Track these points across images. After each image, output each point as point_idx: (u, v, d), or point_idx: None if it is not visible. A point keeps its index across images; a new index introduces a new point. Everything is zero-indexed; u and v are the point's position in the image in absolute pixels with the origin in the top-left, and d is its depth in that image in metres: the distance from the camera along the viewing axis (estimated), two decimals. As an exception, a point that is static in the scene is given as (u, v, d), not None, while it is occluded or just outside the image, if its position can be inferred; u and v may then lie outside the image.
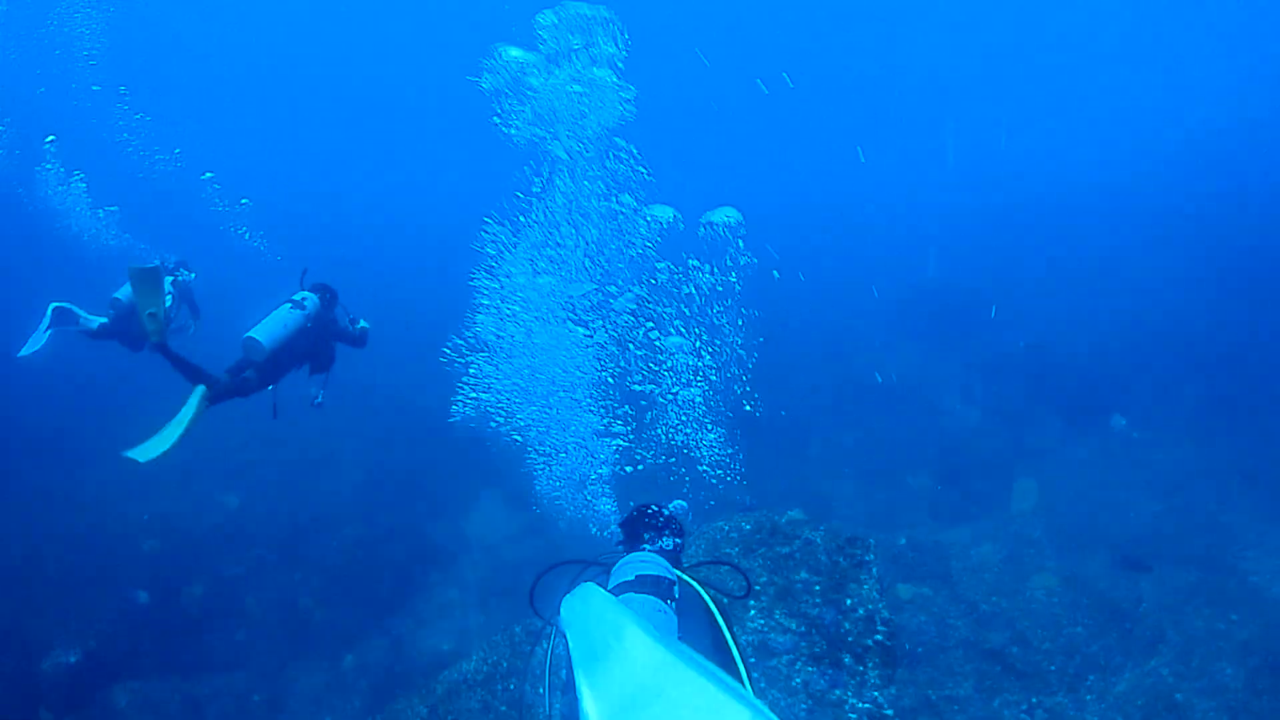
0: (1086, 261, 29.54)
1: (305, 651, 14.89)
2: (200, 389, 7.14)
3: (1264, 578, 13.51)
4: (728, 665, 3.63)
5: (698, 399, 10.68)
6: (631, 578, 3.90)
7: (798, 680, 7.30)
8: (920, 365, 24.15)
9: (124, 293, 9.84)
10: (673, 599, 3.83)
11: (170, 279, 10.48)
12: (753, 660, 7.45)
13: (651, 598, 3.73)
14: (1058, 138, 47.64)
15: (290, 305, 8.05)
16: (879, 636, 7.55)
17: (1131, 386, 21.21)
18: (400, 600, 16.71)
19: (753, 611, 8.00)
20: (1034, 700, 10.78)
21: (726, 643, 3.79)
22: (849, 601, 7.92)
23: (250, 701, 13.71)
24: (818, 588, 8.13)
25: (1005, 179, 41.74)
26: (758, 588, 8.27)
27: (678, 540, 4.84)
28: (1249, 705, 10.68)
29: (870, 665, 7.33)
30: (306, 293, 8.34)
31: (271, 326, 7.78)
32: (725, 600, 4.26)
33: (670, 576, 3.98)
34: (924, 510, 17.96)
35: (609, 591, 3.75)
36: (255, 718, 13.47)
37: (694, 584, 4.15)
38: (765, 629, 7.78)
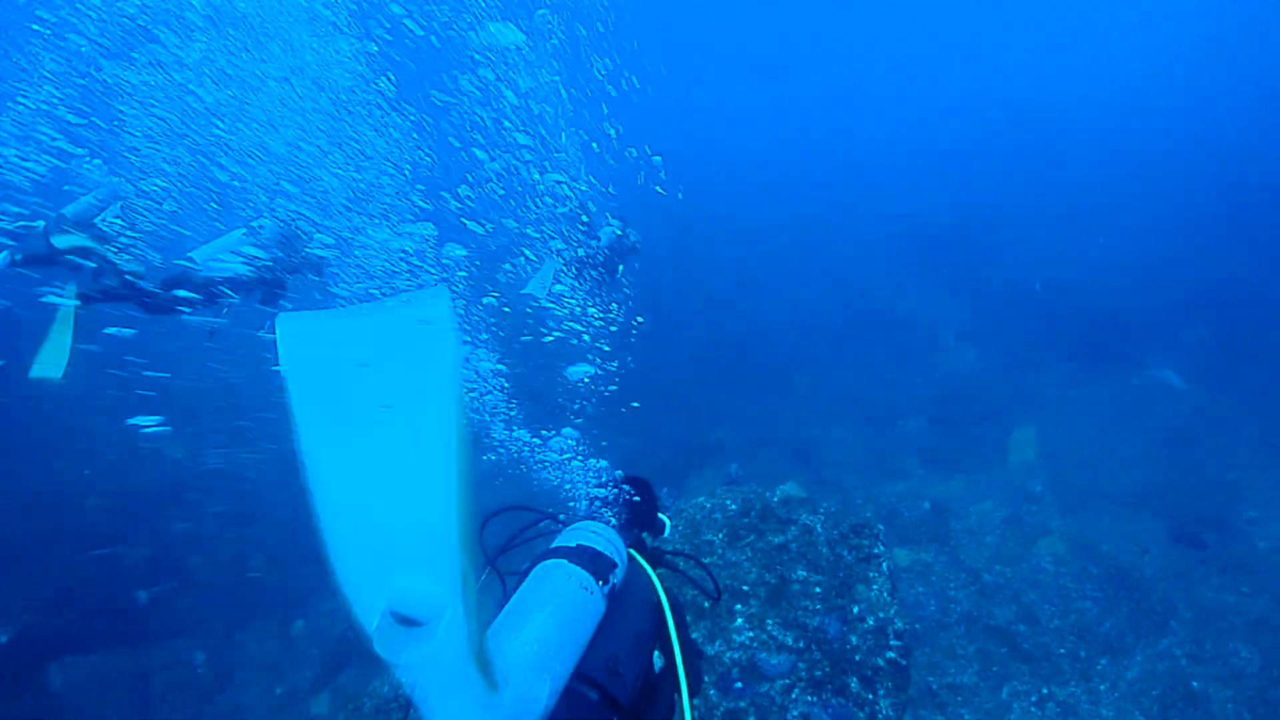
0: (1089, 198, 28.42)
1: (255, 616, 13.99)
2: (71, 286, 6.72)
3: (1273, 543, 12.87)
4: (670, 676, 3.41)
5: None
6: (573, 544, 3.53)
7: (795, 713, 6.17)
8: (919, 300, 23.13)
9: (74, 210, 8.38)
10: (607, 581, 3.40)
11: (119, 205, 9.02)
12: (739, 685, 6.38)
13: (581, 572, 3.34)
14: (1066, 59, 45.90)
15: (244, 231, 7.63)
16: (891, 654, 6.45)
17: (1136, 330, 20.31)
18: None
19: (740, 620, 6.85)
20: (1045, 691, 9.88)
21: (672, 648, 3.40)
22: (856, 609, 6.81)
23: (197, 674, 12.83)
24: (818, 589, 7.00)
25: (1008, 106, 40.14)
26: (745, 588, 7.17)
27: (642, 531, 4.27)
28: (1266, 694, 9.89)
29: (881, 692, 6.23)
30: (266, 220, 7.87)
31: (216, 249, 7.32)
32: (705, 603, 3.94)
33: (615, 558, 3.57)
34: (916, 457, 17.01)
35: (548, 551, 3.51)
36: (203, 690, 12.52)
37: (650, 574, 3.73)
38: (755, 644, 6.61)
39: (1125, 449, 16.48)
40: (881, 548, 7.43)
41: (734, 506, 8.13)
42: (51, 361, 6.52)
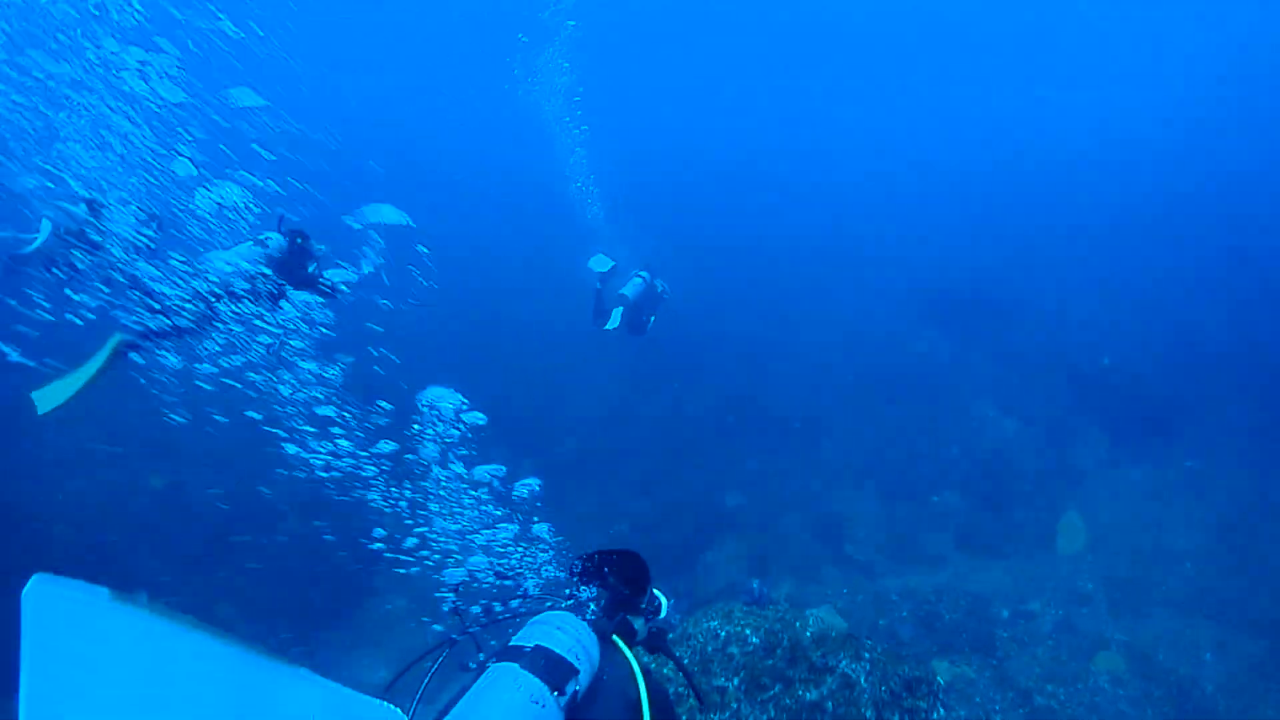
0: (1131, 259, 26.92)
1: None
2: (117, 336, 6.82)
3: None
4: None
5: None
6: (529, 645, 3.15)
7: None
8: (948, 362, 21.60)
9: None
10: (564, 692, 2.98)
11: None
12: None
13: (533, 681, 2.94)
14: (1096, 112, 44.54)
15: (253, 242, 7.77)
16: None
17: (1182, 404, 18.88)
18: (334, 612, 14.66)
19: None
20: None
21: None
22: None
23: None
24: (864, 776, 5.53)
25: (1040, 157, 38.76)
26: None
27: (629, 614, 3.78)
28: None
29: None
30: (273, 233, 8.02)
31: (230, 260, 7.48)
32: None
33: (577, 662, 3.14)
34: (951, 538, 15.60)
35: (504, 649, 3.15)
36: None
37: (633, 665, 3.31)
38: None
39: (1176, 539, 15.29)
40: (941, 712, 5.98)
41: (755, 640, 6.59)
42: (53, 395, 6.51)
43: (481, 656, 3.19)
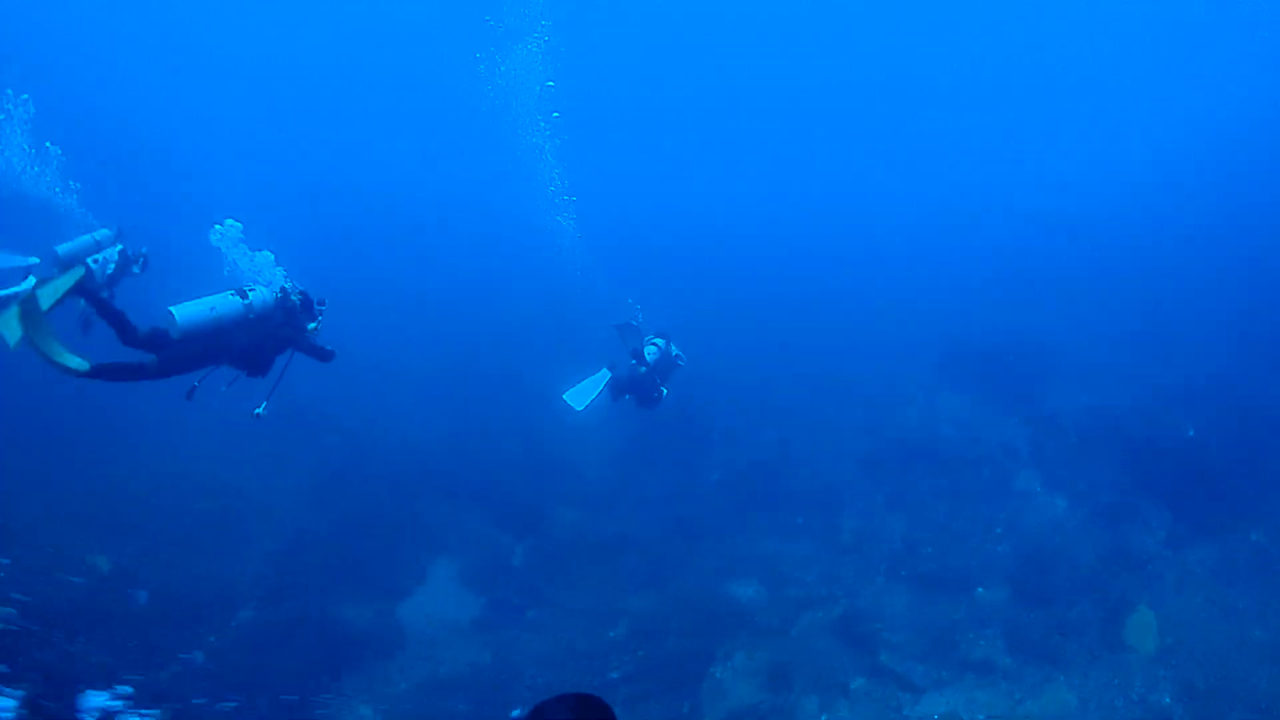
0: (1175, 311, 25.05)
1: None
2: (80, 270, 7.21)
3: None
4: None
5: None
6: None
7: None
8: (982, 429, 19.58)
9: (66, 249, 9.21)
10: None
11: (118, 249, 9.74)
12: None
13: None
14: (1132, 154, 42.93)
15: (233, 292, 7.58)
16: None
17: (1240, 467, 16.94)
18: (288, 722, 12.71)
19: None
20: None
21: None
22: None
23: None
24: None
25: (1072, 203, 36.89)
26: None
27: None
28: None
29: None
30: (260, 286, 7.85)
31: (197, 308, 7.29)
32: None
33: None
34: (1001, 640, 13.53)
35: None
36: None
37: None
38: None
39: (1253, 629, 13.31)
40: None
41: None
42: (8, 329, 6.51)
43: None
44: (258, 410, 8.24)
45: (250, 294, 7.68)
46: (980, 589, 14.76)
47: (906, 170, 47.06)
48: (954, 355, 23.17)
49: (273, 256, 8.84)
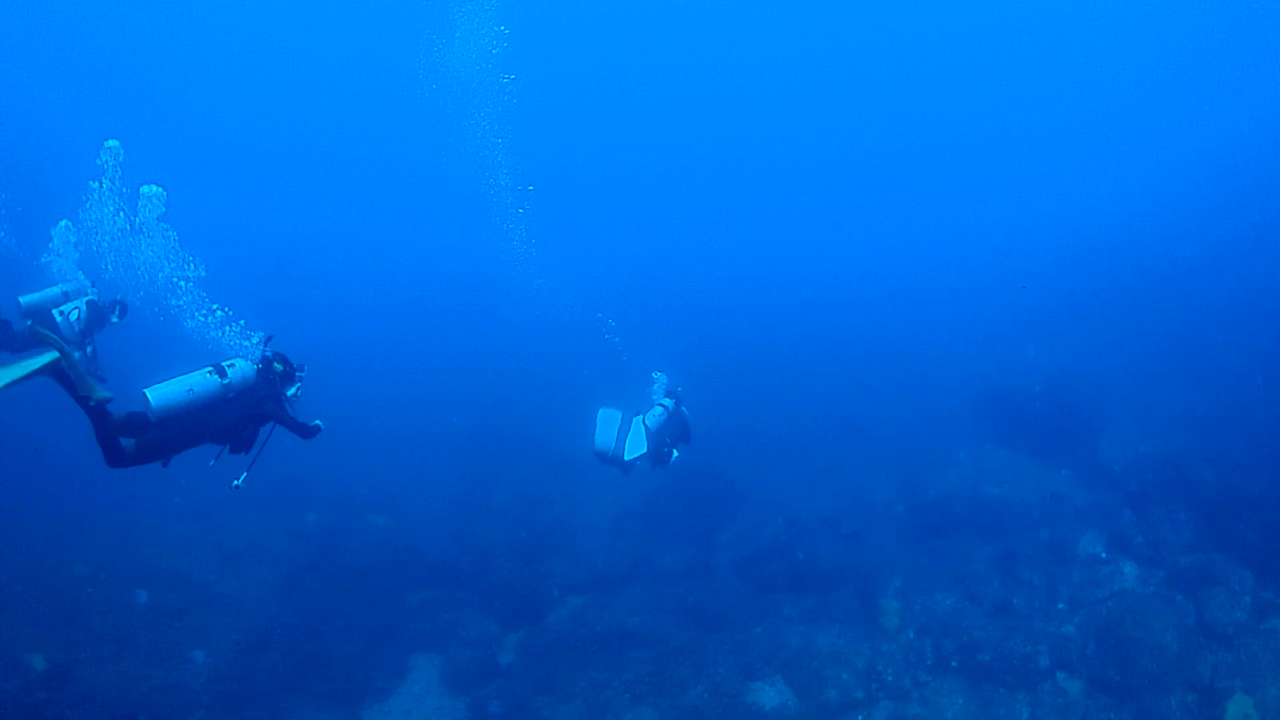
0: (1217, 332, 22.93)
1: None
2: (54, 355, 6.47)
3: None
4: None
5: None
6: None
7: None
8: (1031, 487, 17.36)
9: (30, 300, 9.48)
10: None
11: (86, 299, 9.82)
12: None
13: None
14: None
15: (210, 369, 7.21)
16: None
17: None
18: None
19: None
20: None
21: None
22: None
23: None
24: None
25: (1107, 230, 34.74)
26: None
27: None
28: None
29: None
30: (239, 360, 7.50)
31: (173, 390, 6.92)
32: None
33: None
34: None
35: None
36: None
37: None
38: None
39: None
40: None
41: None
42: None
43: None
44: (236, 482, 7.80)
45: (229, 370, 7.31)
46: (1047, 683, 12.55)
47: (928, 205, 45.49)
48: (993, 402, 21.01)
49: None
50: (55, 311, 9.56)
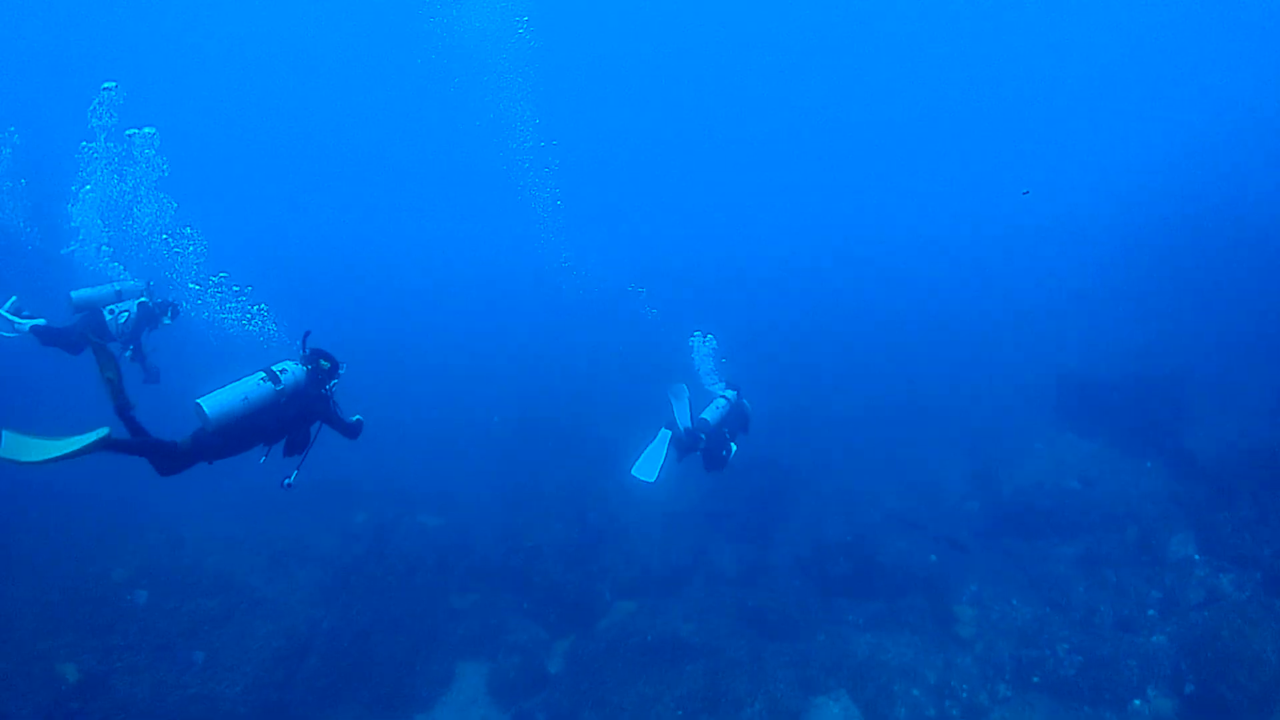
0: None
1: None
2: (104, 431, 6.05)
3: None
4: None
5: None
6: None
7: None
8: (1116, 482, 16.23)
9: (81, 295, 9.79)
10: None
11: (138, 301, 10.13)
12: None
13: None
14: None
15: (263, 376, 7.19)
16: None
17: None
18: None
19: None
20: None
21: None
22: None
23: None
24: None
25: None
26: None
27: None
28: None
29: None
30: (289, 363, 7.50)
31: (228, 399, 6.87)
32: None
33: None
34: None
35: None
36: None
37: None
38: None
39: None
40: None
41: None
42: (22, 449, 5.96)
43: None
44: (288, 481, 7.81)
45: (282, 376, 7.32)
46: (1137, 699, 11.49)
47: (997, 179, 43.74)
48: (1071, 387, 19.78)
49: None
50: (105, 310, 9.83)
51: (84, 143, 9.58)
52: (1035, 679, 12.10)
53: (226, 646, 13.73)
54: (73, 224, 11.80)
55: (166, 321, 10.43)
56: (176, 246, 10.76)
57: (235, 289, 9.75)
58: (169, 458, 6.59)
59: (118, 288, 10.06)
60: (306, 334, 7.92)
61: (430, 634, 14.62)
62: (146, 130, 8.98)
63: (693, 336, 12.86)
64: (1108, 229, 32.26)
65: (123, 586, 14.67)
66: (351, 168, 47.57)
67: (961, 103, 47.70)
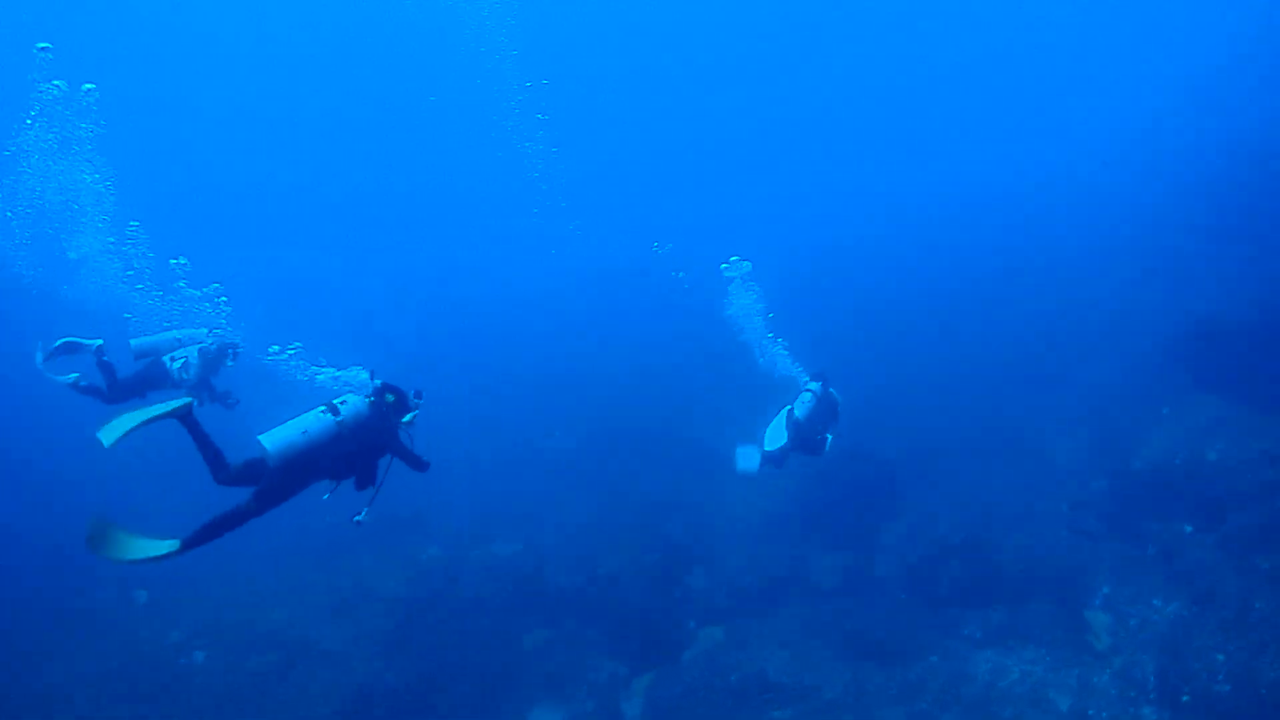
0: None
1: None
2: (190, 400, 6.61)
3: None
4: None
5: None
6: None
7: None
8: (1265, 451, 14.05)
9: (141, 343, 10.01)
10: None
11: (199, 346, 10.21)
12: None
13: None
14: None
15: (324, 409, 7.12)
16: None
17: None
18: None
19: None
20: None
21: None
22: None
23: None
24: None
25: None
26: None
27: None
28: None
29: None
30: (351, 396, 7.39)
31: (288, 434, 6.80)
32: None
33: None
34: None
35: None
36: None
37: None
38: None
39: None
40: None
41: None
42: (113, 429, 6.31)
43: None
44: (358, 517, 7.50)
45: (342, 408, 7.18)
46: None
47: (1092, 112, 41.04)
48: (1205, 342, 17.45)
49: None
50: (166, 358, 9.95)
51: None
52: (1185, 697, 10.36)
53: (284, 705, 12.97)
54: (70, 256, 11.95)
55: (230, 363, 10.36)
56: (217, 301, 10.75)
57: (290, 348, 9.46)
58: (238, 515, 6.55)
59: (178, 334, 10.14)
60: (372, 372, 7.90)
61: (502, 677, 13.55)
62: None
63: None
64: (1217, 161, 29.45)
65: (180, 648, 14.09)
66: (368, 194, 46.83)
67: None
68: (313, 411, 7.12)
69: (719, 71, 47.73)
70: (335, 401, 7.27)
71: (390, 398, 7.59)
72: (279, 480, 6.79)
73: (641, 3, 45.20)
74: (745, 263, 12.69)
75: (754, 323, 12.90)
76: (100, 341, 9.98)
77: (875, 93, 47.13)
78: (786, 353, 12.55)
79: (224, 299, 11.21)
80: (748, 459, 11.00)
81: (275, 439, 6.73)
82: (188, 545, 6.29)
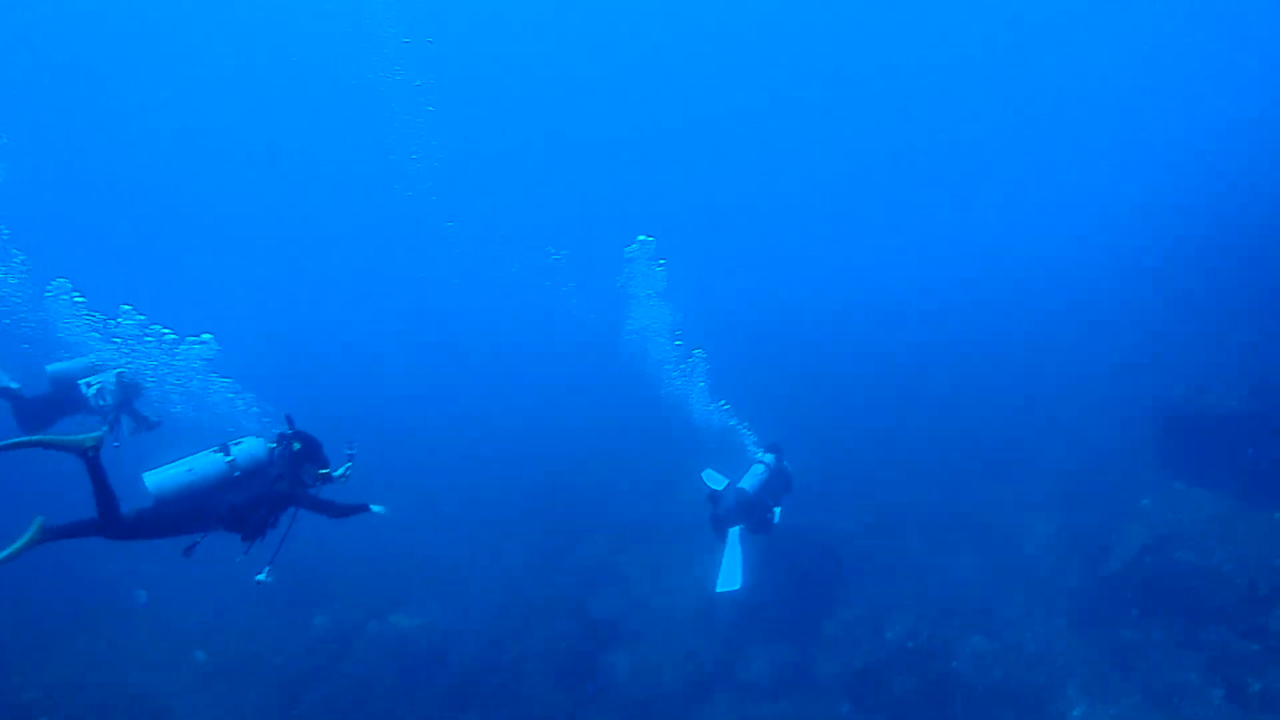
0: None
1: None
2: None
3: None
4: None
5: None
6: None
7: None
8: (1253, 551, 12.59)
9: (56, 368, 9.71)
10: None
11: (116, 372, 9.90)
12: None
13: None
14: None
15: (215, 448, 6.94)
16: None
17: None
18: None
19: None
20: None
21: None
22: None
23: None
24: None
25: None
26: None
27: None
28: None
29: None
30: (248, 438, 7.17)
31: (173, 472, 6.66)
32: None
33: None
34: None
35: None
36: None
37: None
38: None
39: None
40: None
41: None
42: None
43: None
44: (259, 577, 7.00)
45: (234, 449, 6.89)
46: None
47: (1071, 187, 40.66)
48: (1179, 423, 16.12)
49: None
50: (81, 383, 9.64)
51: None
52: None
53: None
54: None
55: (148, 388, 10.15)
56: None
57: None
58: (107, 531, 6.27)
59: (93, 360, 9.85)
60: (289, 416, 7.45)
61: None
62: None
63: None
64: (1203, 239, 28.51)
65: (35, 708, 12.24)
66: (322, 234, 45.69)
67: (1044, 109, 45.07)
68: (204, 450, 6.85)
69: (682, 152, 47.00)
70: (229, 443, 6.96)
71: (297, 446, 7.17)
72: (160, 511, 6.52)
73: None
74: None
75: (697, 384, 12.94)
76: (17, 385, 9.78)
77: (850, 161, 46.86)
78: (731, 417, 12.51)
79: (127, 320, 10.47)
80: (714, 480, 11.28)
81: (158, 478, 6.52)
82: (52, 534, 6.07)
